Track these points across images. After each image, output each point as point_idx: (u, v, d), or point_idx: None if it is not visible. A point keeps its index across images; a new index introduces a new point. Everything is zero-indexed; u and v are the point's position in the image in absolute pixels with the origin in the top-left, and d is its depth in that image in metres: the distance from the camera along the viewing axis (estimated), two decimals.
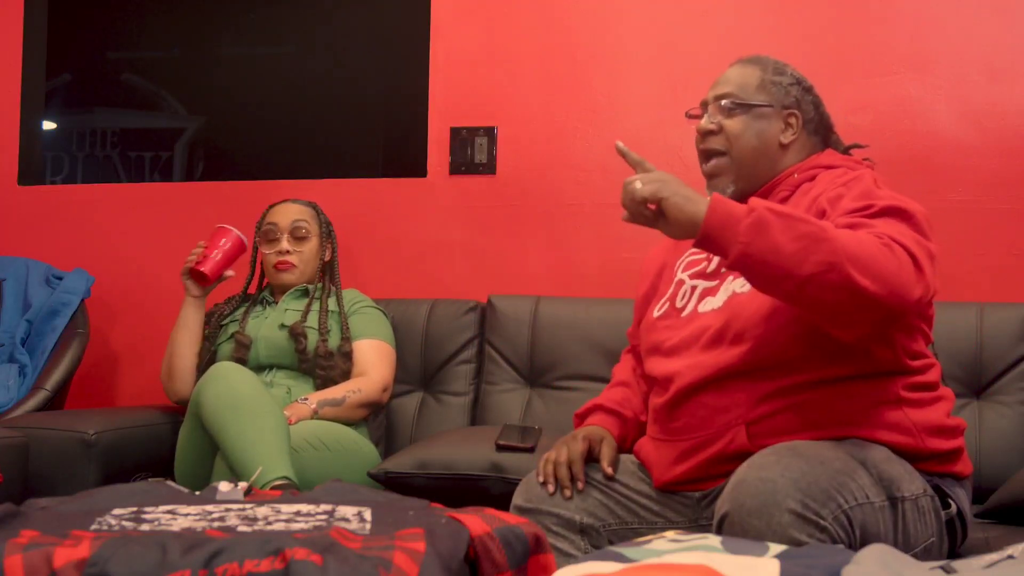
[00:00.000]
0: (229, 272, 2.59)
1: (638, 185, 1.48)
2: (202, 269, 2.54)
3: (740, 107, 1.77)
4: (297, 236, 2.64)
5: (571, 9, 2.90)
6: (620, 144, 1.57)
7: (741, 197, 1.78)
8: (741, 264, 1.44)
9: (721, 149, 1.77)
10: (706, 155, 1.80)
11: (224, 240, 2.58)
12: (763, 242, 1.41)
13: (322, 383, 2.48)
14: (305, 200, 2.73)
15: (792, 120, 1.78)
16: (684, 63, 2.79)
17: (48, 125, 3.41)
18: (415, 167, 2.97)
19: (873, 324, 1.49)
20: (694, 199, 1.46)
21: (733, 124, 1.77)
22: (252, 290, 2.72)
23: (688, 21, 2.81)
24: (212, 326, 2.62)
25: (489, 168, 2.91)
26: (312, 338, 2.51)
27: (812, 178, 1.74)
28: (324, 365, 2.48)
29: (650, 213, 1.49)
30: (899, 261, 1.43)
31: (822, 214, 1.61)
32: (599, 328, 2.56)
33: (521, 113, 2.90)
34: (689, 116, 1.84)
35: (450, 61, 2.96)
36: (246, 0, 3.22)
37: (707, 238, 1.45)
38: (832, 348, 1.55)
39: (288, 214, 2.66)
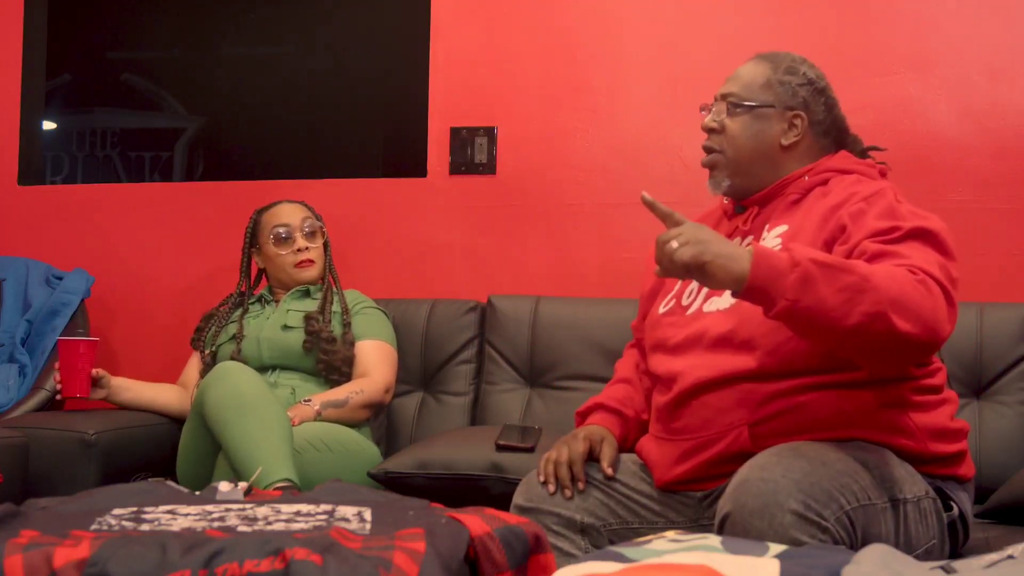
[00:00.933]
0: (96, 372, 2.41)
1: (675, 246, 1.42)
2: (75, 395, 2.38)
3: (741, 108, 1.76)
4: (310, 233, 2.65)
5: (571, 9, 2.89)
6: (646, 196, 1.52)
7: (740, 193, 1.79)
8: (785, 317, 1.43)
9: (718, 148, 1.78)
10: (707, 151, 1.80)
11: (65, 353, 2.39)
12: (809, 298, 1.40)
13: (324, 368, 2.48)
14: (298, 200, 2.73)
15: (796, 121, 1.77)
16: (684, 63, 2.79)
17: (48, 125, 3.42)
18: (415, 167, 2.97)
19: (909, 362, 1.53)
20: (736, 256, 1.42)
21: (733, 125, 1.77)
22: (245, 288, 2.71)
23: (688, 21, 2.81)
24: (211, 328, 2.62)
25: (489, 168, 2.91)
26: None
27: (825, 182, 1.73)
28: (327, 349, 2.48)
29: (687, 273, 1.45)
30: (934, 299, 1.44)
31: (843, 230, 1.60)
32: (599, 328, 2.55)
33: (521, 113, 2.90)
34: (703, 109, 1.84)
35: (450, 61, 2.96)
36: (246, 0, 3.22)
37: (751, 293, 1.43)
38: (838, 356, 1.55)
39: (296, 213, 2.66)
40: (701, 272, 1.43)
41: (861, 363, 1.53)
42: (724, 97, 1.79)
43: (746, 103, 1.76)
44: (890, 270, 1.46)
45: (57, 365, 2.44)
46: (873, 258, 1.51)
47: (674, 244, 1.43)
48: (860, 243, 1.55)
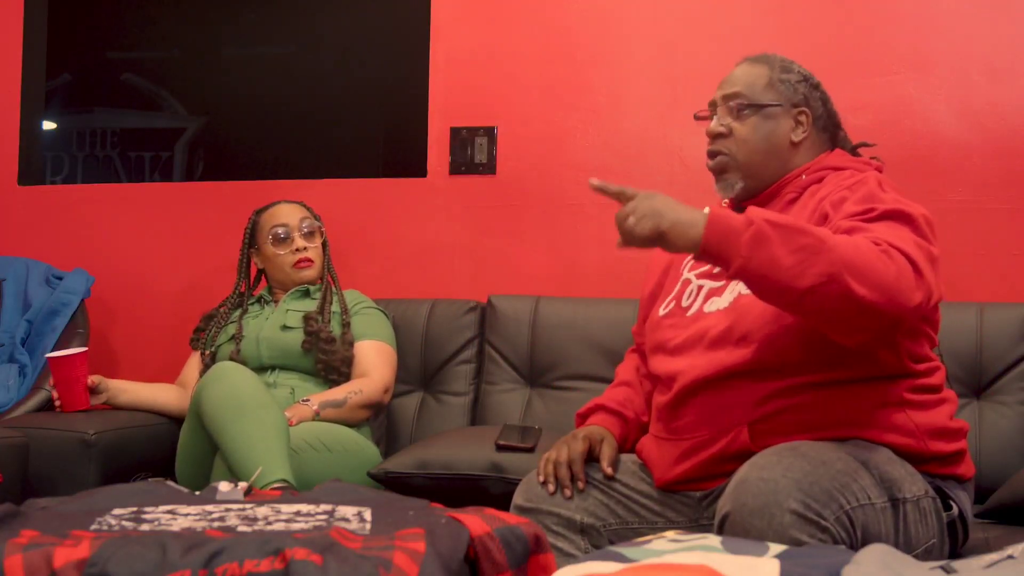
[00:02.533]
0: (91, 382, 2.43)
1: (632, 222, 1.46)
2: (77, 409, 2.40)
3: (750, 108, 1.76)
4: (309, 233, 2.65)
5: (571, 9, 2.89)
6: (593, 182, 1.53)
7: (750, 194, 1.78)
8: (741, 276, 1.45)
9: (726, 152, 1.77)
10: (713, 154, 1.79)
11: (57, 371, 2.40)
12: (762, 255, 1.41)
13: (323, 368, 2.48)
14: (296, 200, 2.73)
15: (802, 118, 1.77)
16: (684, 63, 2.79)
17: (48, 125, 3.42)
18: (415, 167, 2.97)
19: (874, 331, 1.49)
20: (692, 221, 1.44)
21: (743, 127, 1.76)
22: (244, 288, 2.71)
23: (688, 21, 2.81)
24: (211, 329, 2.62)
25: (489, 168, 2.91)
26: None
27: (820, 180, 1.74)
28: (326, 349, 2.48)
29: (649, 244, 1.47)
30: (897, 267, 1.43)
31: (824, 218, 1.60)
32: (599, 328, 2.55)
33: (521, 113, 2.90)
34: (697, 118, 1.83)
35: (450, 61, 2.96)
36: (246, 0, 3.22)
37: (707, 253, 1.45)
38: (836, 351, 1.55)
39: (294, 213, 2.66)
40: (662, 241, 1.46)
41: (826, 331, 1.51)
42: (728, 99, 1.78)
43: (754, 103, 1.76)
44: (851, 238, 1.47)
45: (51, 383, 2.45)
46: (843, 233, 1.51)
47: (631, 221, 1.46)
48: (835, 224, 1.55)
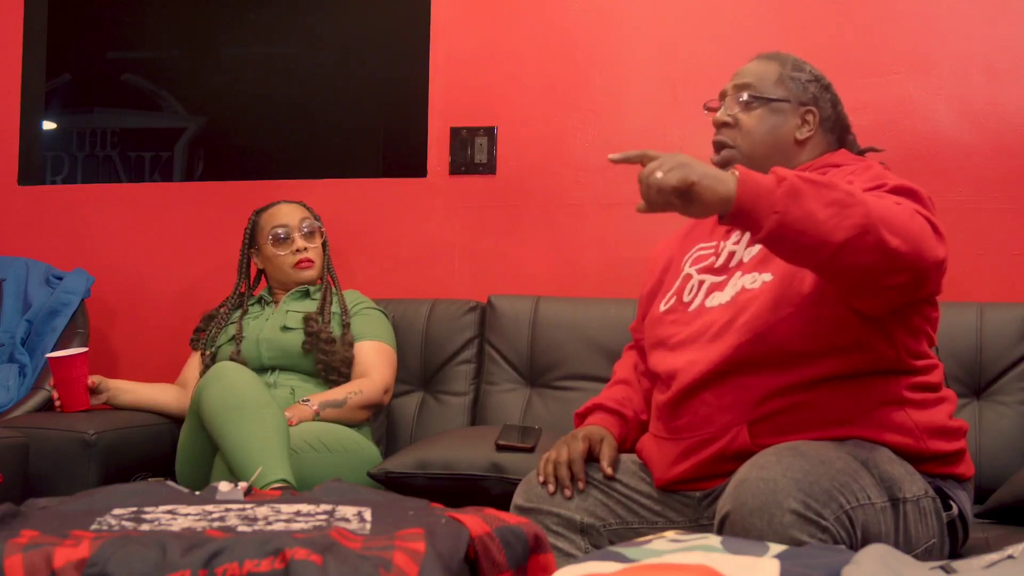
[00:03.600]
0: (92, 382, 2.44)
1: (660, 175, 1.40)
2: (77, 409, 2.40)
3: (758, 100, 1.77)
4: (309, 233, 2.65)
5: (571, 9, 2.90)
6: (612, 156, 1.50)
7: None
8: (777, 235, 1.40)
9: (731, 143, 1.77)
10: (718, 147, 1.80)
11: (57, 371, 2.41)
12: (798, 210, 1.38)
13: (323, 368, 2.48)
14: (296, 200, 2.73)
15: (809, 117, 1.78)
16: (684, 63, 2.79)
17: (48, 125, 3.41)
18: (415, 167, 2.97)
19: (903, 289, 1.48)
20: (722, 177, 1.40)
21: (749, 118, 1.77)
22: (244, 288, 2.71)
23: (688, 21, 2.81)
24: (211, 329, 2.62)
25: (489, 168, 2.91)
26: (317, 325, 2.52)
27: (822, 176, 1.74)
28: (326, 350, 2.48)
29: (676, 200, 1.42)
30: (921, 223, 1.46)
31: None
32: (599, 328, 2.55)
33: (521, 113, 2.90)
34: (707, 108, 1.84)
35: (450, 61, 2.96)
36: (246, 0, 3.22)
37: (741, 212, 1.40)
38: (834, 343, 1.55)
39: (294, 214, 2.66)
40: (689, 196, 1.40)
41: (852, 290, 1.50)
42: (738, 90, 1.78)
43: (764, 96, 1.77)
44: (879, 196, 1.48)
45: (51, 383, 2.45)
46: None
47: (659, 174, 1.40)
48: None
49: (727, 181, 1.40)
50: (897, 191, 1.55)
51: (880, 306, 1.53)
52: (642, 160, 1.47)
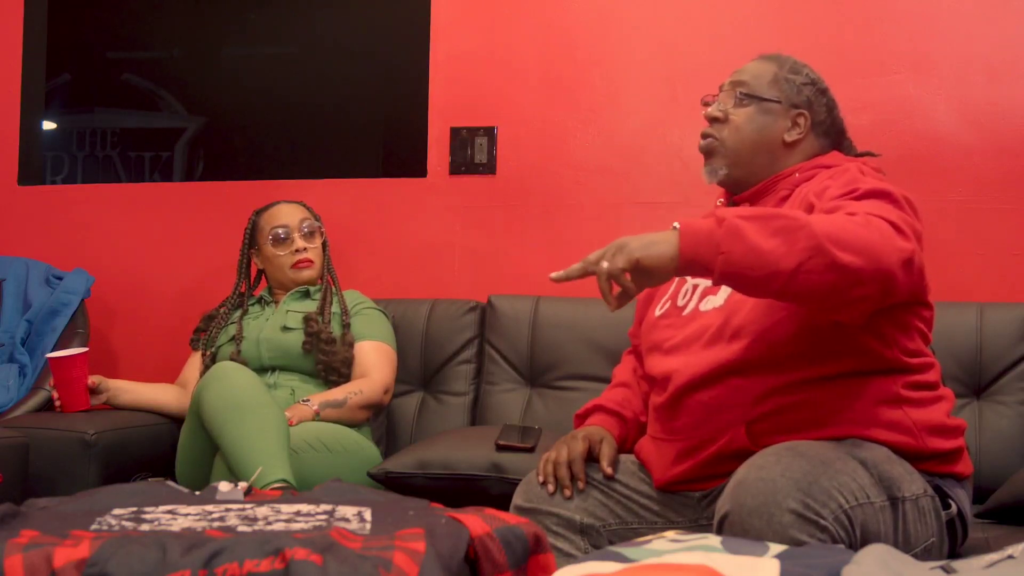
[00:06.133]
0: (92, 382, 2.44)
1: (607, 265, 1.41)
2: (77, 409, 2.40)
3: (749, 98, 1.78)
4: (308, 233, 2.65)
5: (571, 9, 2.90)
6: (554, 275, 1.47)
7: (736, 184, 1.80)
8: (728, 273, 1.42)
9: (718, 137, 1.78)
10: (704, 136, 1.82)
11: (57, 371, 2.41)
12: (742, 246, 1.40)
13: (323, 369, 2.48)
14: (296, 200, 2.73)
15: (800, 120, 1.78)
16: (684, 63, 2.79)
17: (48, 125, 3.41)
18: (415, 167, 2.97)
19: (870, 299, 1.47)
20: (663, 240, 1.42)
21: (738, 115, 1.78)
22: (244, 288, 2.71)
23: (688, 21, 2.81)
24: (211, 329, 2.62)
25: (489, 168, 2.91)
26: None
27: (810, 178, 1.75)
28: (326, 350, 2.48)
29: (632, 285, 1.43)
30: (877, 230, 1.43)
31: (811, 208, 1.62)
32: (599, 328, 2.55)
33: (521, 113, 2.90)
34: (704, 102, 1.85)
35: (450, 61, 2.96)
36: (246, 0, 3.22)
37: (690, 263, 1.42)
38: (830, 344, 1.55)
39: (294, 214, 2.66)
40: (641, 271, 1.42)
41: (822, 311, 1.50)
42: (734, 86, 1.80)
43: (754, 95, 1.78)
44: (825, 215, 1.46)
45: (51, 383, 2.45)
46: (823, 213, 1.51)
47: (604, 264, 1.42)
48: (820, 209, 1.56)
49: (669, 241, 1.42)
50: (869, 195, 1.55)
51: (858, 316, 1.52)
52: (585, 270, 1.46)
